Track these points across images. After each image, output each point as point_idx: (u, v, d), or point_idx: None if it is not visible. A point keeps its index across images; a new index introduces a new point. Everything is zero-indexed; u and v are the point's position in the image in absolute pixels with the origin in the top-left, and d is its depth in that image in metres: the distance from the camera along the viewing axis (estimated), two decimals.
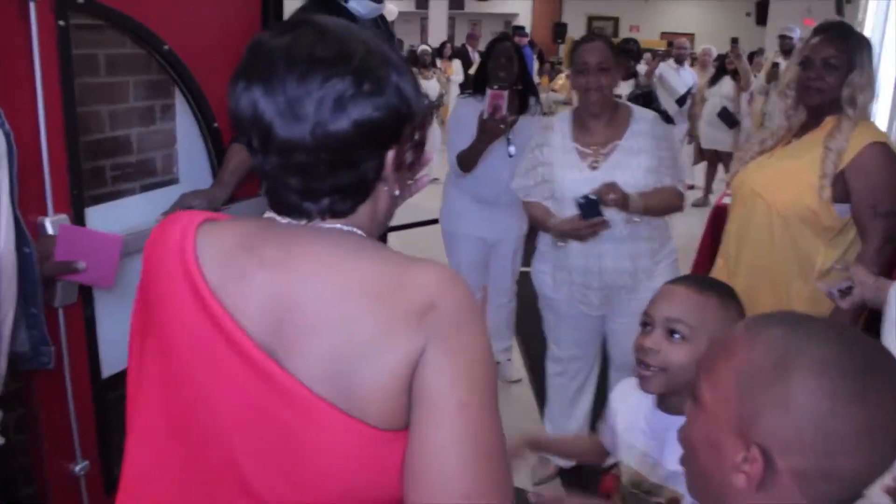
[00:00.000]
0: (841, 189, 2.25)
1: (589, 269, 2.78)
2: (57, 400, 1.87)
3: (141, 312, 1.03)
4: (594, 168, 2.73)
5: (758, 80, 7.58)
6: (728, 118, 7.57)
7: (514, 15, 21.79)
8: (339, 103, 0.90)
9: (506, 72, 3.46)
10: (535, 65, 12.18)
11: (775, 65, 7.05)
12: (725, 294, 1.44)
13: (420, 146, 1.02)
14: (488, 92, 3.17)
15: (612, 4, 20.99)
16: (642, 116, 2.77)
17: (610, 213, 2.63)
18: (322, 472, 0.91)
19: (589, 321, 2.92)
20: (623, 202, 2.59)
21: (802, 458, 0.82)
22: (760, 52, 10.95)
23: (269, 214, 1.00)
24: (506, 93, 3.22)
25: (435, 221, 3.96)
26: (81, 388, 1.91)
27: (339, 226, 0.98)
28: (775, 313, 0.91)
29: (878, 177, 2.21)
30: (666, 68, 7.44)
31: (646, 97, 5.84)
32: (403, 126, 0.96)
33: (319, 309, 0.91)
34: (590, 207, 2.59)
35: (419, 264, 0.94)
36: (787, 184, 2.34)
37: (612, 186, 2.58)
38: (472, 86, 3.67)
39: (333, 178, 0.94)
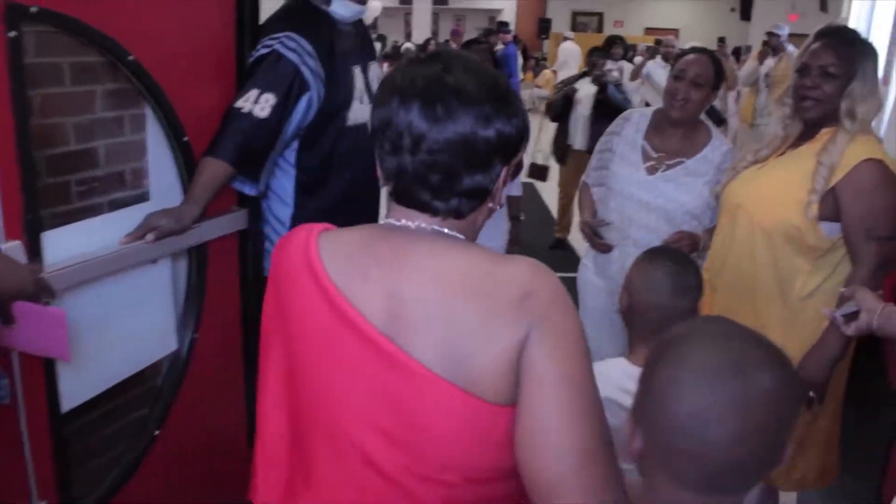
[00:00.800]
0: (830, 207, 2.10)
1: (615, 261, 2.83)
2: (11, 436, 1.74)
3: (274, 312, 1.20)
4: (651, 173, 2.74)
5: (743, 74, 7.52)
6: (715, 116, 7.50)
7: (499, 10, 21.73)
8: (486, 116, 1.09)
9: None
10: (520, 61, 12.06)
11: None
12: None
13: (518, 169, 1.23)
14: None
15: (597, 0, 20.93)
16: (719, 145, 2.74)
17: (643, 235, 2.69)
18: (437, 441, 1.05)
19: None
20: (692, 246, 2.60)
21: (660, 437, 0.94)
22: (747, 49, 10.90)
23: (386, 220, 1.16)
24: None
25: None
26: (38, 423, 1.78)
27: (445, 230, 1.13)
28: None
29: (873, 198, 2.06)
30: (654, 66, 7.38)
31: (616, 87, 5.85)
32: (520, 145, 1.16)
33: (427, 305, 1.06)
34: None
35: (509, 259, 1.11)
36: (772, 198, 2.22)
37: (682, 235, 2.61)
38: None
39: (467, 180, 1.10)
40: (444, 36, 16.34)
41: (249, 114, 2.27)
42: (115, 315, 2.04)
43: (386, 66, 10.19)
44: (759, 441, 0.91)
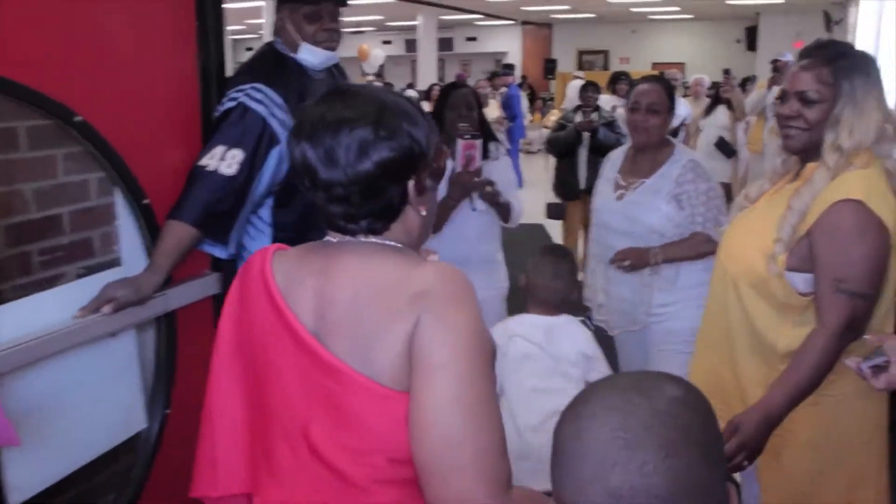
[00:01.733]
0: (805, 256, 1.80)
1: (600, 288, 3.01)
2: None
3: (234, 320, 1.33)
4: (619, 199, 2.90)
5: (750, 103, 7.37)
6: (725, 148, 7.36)
7: (504, 53, 21.86)
8: (362, 149, 1.17)
9: (467, 122, 3.18)
10: (525, 102, 12.01)
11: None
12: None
13: (440, 173, 1.29)
14: (460, 143, 2.95)
15: (602, 37, 20.99)
16: (677, 160, 2.83)
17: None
18: (356, 426, 1.16)
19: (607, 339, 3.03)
20: (640, 261, 2.76)
21: (578, 489, 0.84)
22: (753, 79, 10.77)
23: (328, 237, 1.29)
24: (479, 142, 2.99)
25: None
26: None
27: (375, 240, 1.25)
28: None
29: (846, 244, 1.73)
30: None
31: (608, 125, 5.79)
32: (418, 162, 1.22)
33: (345, 304, 1.19)
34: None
35: (427, 264, 1.22)
36: (742, 245, 1.95)
37: (628, 251, 2.77)
38: None
39: (366, 206, 1.21)
40: (450, 81, 16.41)
41: (215, 172, 2.14)
42: (73, 394, 1.89)
43: None
44: (674, 465, 0.80)
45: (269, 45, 2.47)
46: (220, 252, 2.23)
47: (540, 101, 18.17)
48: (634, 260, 2.76)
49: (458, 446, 1.09)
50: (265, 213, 2.40)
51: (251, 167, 2.21)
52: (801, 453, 1.88)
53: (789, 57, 7.20)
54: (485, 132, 3.28)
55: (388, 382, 1.15)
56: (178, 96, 2.20)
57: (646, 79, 3.02)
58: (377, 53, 15.86)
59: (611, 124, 5.86)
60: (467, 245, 3.13)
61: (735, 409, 1.85)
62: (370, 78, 15.14)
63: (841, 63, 1.82)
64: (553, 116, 16.41)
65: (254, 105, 2.23)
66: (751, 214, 2.00)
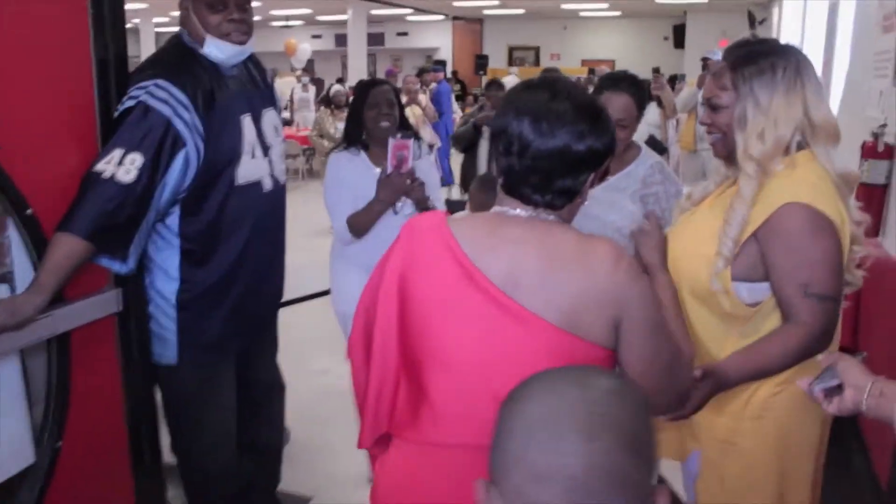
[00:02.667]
0: (752, 263, 1.73)
1: None
2: None
3: (393, 282, 1.47)
4: None
5: (681, 100, 7.39)
6: (656, 145, 7.35)
7: (436, 49, 21.73)
8: (581, 135, 1.37)
9: (389, 120, 3.02)
10: (453, 98, 11.84)
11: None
12: None
13: (604, 175, 1.49)
14: (391, 142, 2.80)
15: (533, 34, 21.04)
16: (645, 160, 2.63)
17: None
18: (532, 370, 1.11)
19: None
20: None
21: (519, 475, 0.86)
22: (681, 76, 10.84)
23: (499, 209, 1.46)
24: (411, 142, 2.85)
25: (320, 294, 3.48)
26: None
27: (551, 217, 1.44)
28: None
29: (803, 248, 1.66)
30: None
31: None
32: (604, 160, 1.43)
33: (540, 274, 1.36)
34: None
35: (595, 240, 1.40)
36: (685, 251, 1.85)
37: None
38: (346, 138, 3.16)
39: (562, 181, 1.40)
40: (380, 77, 16.14)
41: (111, 178, 1.93)
42: None
43: (323, 110, 9.90)
44: (592, 449, 0.84)
45: (176, 37, 2.26)
46: (118, 267, 2.02)
47: (471, 97, 18.08)
48: None
49: (673, 369, 1.46)
50: (172, 222, 2.19)
51: (153, 173, 2.00)
52: (741, 466, 1.81)
53: (718, 55, 7.21)
54: (407, 130, 3.13)
55: (583, 335, 1.36)
56: (69, 93, 1.99)
57: (613, 81, 2.55)
58: (304, 48, 15.56)
59: None
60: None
61: (684, 427, 1.81)
62: (298, 73, 14.83)
63: (742, 66, 1.73)
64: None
65: (156, 104, 2.02)
66: (693, 218, 1.91)
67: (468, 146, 5.77)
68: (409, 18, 21.03)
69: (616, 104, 2.49)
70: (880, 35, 3.74)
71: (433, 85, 10.56)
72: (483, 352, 1.38)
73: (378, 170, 2.99)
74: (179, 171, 2.07)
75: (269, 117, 2.39)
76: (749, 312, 1.75)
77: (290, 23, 21.59)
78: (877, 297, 2.98)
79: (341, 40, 19.31)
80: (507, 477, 0.87)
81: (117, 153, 1.96)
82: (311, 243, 3.07)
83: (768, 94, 1.70)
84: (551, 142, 1.37)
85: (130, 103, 2.02)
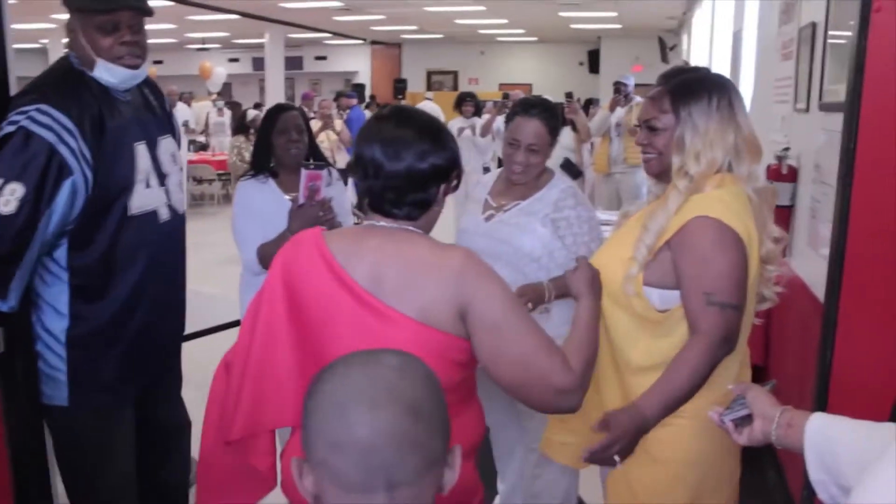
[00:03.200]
0: (664, 272, 1.81)
1: None
2: None
3: (284, 298, 1.62)
4: (488, 220, 2.68)
5: (594, 124, 7.50)
6: (571, 169, 7.44)
7: (354, 73, 21.63)
8: (423, 155, 1.59)
9: (297, 147, 2.94)
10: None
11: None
12: None
13: (457, 185, 1.68)
14: (304, 173, 2.70)
15: (451, 59, 21.19)
16: (557, 184, 2.62)
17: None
18: None
19: None
20: (537, 299, 2.44)
21: (322, 452, 0.97)
22: (596, 101, 11.06)
23: (367, 222, 1.65)
24: (323, 172, 2.78)
25: (233, 325, 3.36)
26: None
27: (410, 228, 1.63)
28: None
29: (708, 259, 1.74)
30: (503, 121, 7.23)
31: None
32: (451, 172, 1.64)
33: (399, 276, 1.56)
34: None
35: (447, 248, 1.60)
36: (606, 256, 1.97)
37: (524, 289, 2.42)
38: (253, 165, 3.06)
39: (413, 196, 1.60)
40: (297, 101, 15.96)
41: None
42: None
43: (237, 137, 9.70)
44: (377, 417, 0.95)
45: (64, 59, 2.15)
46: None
47: None
48: (534, 299, 2.43)
49: (529, 366, 1.54)
50: (60, 255, 2.07)
51: (36, 204, 1.88)
52: (647, 470, 1.85)
53: (631, 80, 7.38)
54: (317, 157, 3.06)
55: (440, 327, 1.53)
56: None
57: (525, 107, 2.57)
58: (219, 71, 15.32)
59: None
60: None
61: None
62: (214, 97, 14.56)
63: (679, 91, 1.85)
64: None
65: (38, 130, 1.91)
66: (620, 231, 2.03)
67: None
68: (328, 42, 20.91)
69: (528, 129, 2.51)
70: (780, 62, 3.85)
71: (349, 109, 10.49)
72: (352, 345, 1.43)
73: (287, 197, 2.91)
74: (66, 202, 1.96)
75: (167, 145, 2.29)
76: (660, 317, 1.83)
77: (207, 46, 21.19)
78: (785, 315, 3.04)
79: (259, 64, 19.00)
80: (312, 451, 0.98)
81: None
82: (225, 272, 2.95)
83: (705, 120, 1.82)
84: (399, 164, 1.58)
85: (10, 129, 1.90)
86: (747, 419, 1.43)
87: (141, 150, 2.17)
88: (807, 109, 3.18)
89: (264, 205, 2.88)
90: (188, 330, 2.57)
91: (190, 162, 11.16)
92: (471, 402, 1.69)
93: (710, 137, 1.81)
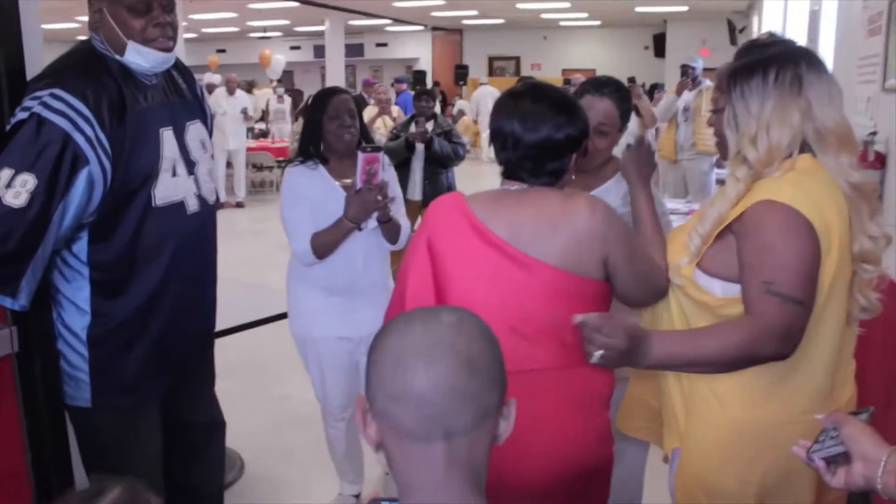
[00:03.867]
0: (727, 260, 1.64)
1: None
2: None
3: (428, 248, 1.82)
4: None
5: (660, 109, 7.18)
6: None
7: (416, 59, 21.51)
8: (559, 126, 1.75)
9: (350, 133, 2.79)
10: (437, 108, 11.59)
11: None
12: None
13: (585, 151, 1.87)
14: (360, 156, 2.56)
15: (513, 44, 20.87)
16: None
17: None
18: (539, 305, 1.72)
19: None
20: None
21: (386, 404, 1.02)
22: (661, 85, 10.69)
23: (503, 186, 1.83)
24: (381, 154, 2.63)
25: (282, 317, 3.23)
26: None
27: (538, 186, 1.81)
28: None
29: (772, 245, 1.56)
30: None
31: (445, 135, 5.64)
32: (582, 141, 1.81)
33: (535, 226, 1.73)
34: None
35: (574, 196, 1.77)
36: (670, 245, 1.83)
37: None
38: (302, 150, 2.89)
39: (551, 164, 1.77)
40: (359, 88, 15.88)
41: None
42: None
43: (296, 126, 9.62)
44: (435, 371, 0.99)
45: (86, 42, 2.01)
46: (9, 303, 1.77)
47: (450, 108, 17.89)
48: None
49: (648, 280, 1.76)
50: (80, 249, 1.94)
51: (49, 196, 1.76)
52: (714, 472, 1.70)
53: (699, 62, 7.02)
54: (369, 142, 2.90)
55: (570, 269, 1.70)
56: None
57: (596, 85, 2.34)
58: (279, 59, 15.30)
59: (448, 133, 5.67)
60: (355, 272, 2.77)
61: (671, 424, 1.79)
62: (274, 84, 14.57)
63: (736, 70, 1.69)
64: (465, 123, 16.18)
65: (52, 116, 1.78)
66: (690, 219, 1.88)
67: (401, 162, 5.46)
68: (388, 29, 20.82)
69: (597, 108, 2.28)
70: (865, 39, 3.54)
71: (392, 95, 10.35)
72: (497, 293, 1.72)
73: (338, 184, 2.76)
74: (83, 193, 1.83)
75: (196, 130, 2.15)
76: (721, 301, 1.65)
77: (268, 34, 21.31)
78: (873, 324, 2.74)
79: (320, 51, 19.00)
80: (374, 401, 1.03)
81: (5, 174, 1.71)
82: (287, 259, 2.85)
83: (759, 98, 1.64)
84: (537, 135, 1.73)
85: (23, 115, 1.78)
86: (842, 458, 1.20)
87: (167, 136, 2.03)
88: None
89: (315, 192, 2.74)
90: (243, 320, 2.46)
91: (249, 149, 11.18)
92: None
93: (767, 118, 1.62)
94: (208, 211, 2.18)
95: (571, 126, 1.75)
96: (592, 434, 1.78)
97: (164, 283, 2.03)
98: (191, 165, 2.11)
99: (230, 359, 4.15)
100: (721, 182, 6.99)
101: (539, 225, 1.72)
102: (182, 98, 2.16)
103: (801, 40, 6.49)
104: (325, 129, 2.79)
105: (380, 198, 2.60)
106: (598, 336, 1.55)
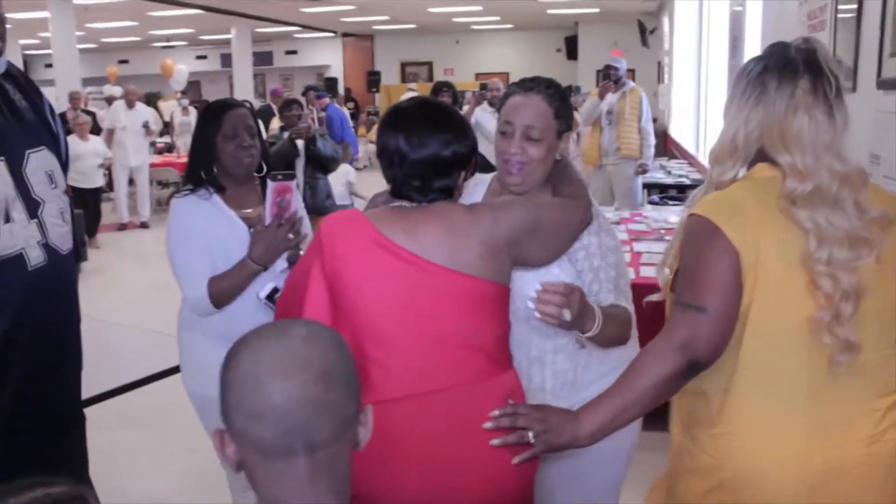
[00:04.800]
0: None
1: None
2: None
3: (326, 274, 1.69)
4: None
5: (584, 112, 6.97)
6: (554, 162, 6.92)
7: (326, 66, 21.13)
8: (447, 142, 1.69)
9: (250, 154, 2.38)
10: (347, 117, 11.14)
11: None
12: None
13: (473, 170, 1.80)
14: (271, 185, 2.16)
15: (425, 49, 20.64)
16: None
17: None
18: (441, 311, 1.65)
19: None
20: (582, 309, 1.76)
21: (243, 423, 1.04)
22: (577, 89, 10.54)
23: (397, 203, 1.73)
24: (293, 183, 2.23)
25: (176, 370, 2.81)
26: None
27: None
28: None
29: (683, 255, 1.58)
30: (482, 113, 6.67)
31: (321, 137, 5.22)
32: (470, 159, 1.75)
33: (434, 238, 1.66)
34: None
35: (479, 206, 1.78)
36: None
37: (570, 288, 1.75)
38: (189, 177, 2.45)
39: (438, 182, 1.70)
40: (268, 98, 15.36)
41: None
42: None
43: None
44: (288, 386, 1.01)
45: None
46: None
47: (365, 115, 17.50)
48: (575, 306, 1.69)
49: (564, 228, 1.83)
50: None
51: None
52: None
53: (622, 63, 6.84)
54: (268, 163, 2.49)
55: (474, 273, 1.66)
56: None
57: (524, 84, 1.92)
58: (181, 69, 14.66)
59: (323, 136, 5.22)
60: (258, 318, 2.30)
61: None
62: (179, 95, 13.93)
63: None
64: None
65: None
66: None
67: (288, 163, 5.00)
68: (298, 36, 20.31)
69: (524, 108, 1.85)
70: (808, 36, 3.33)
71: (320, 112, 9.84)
72: (414, 310, 1.64)
73: (237, 215, 2.36)
74: None
75: (40, 161, 1.74)
76: None
77: (172, 43, 20.54)
78: None
79: (227, 60, 18.41)
80: (232, 421, 1.04)
81: None
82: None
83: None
84: (423, 152, 1.67)
85: None
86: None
87: None
88: (854, 89, 2.66)
89: (209, 226, 2.32)
90: (150, 369, 2.05)
91: (152, 165, 10.58)
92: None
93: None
94: (61, 263, 1.77)
95: (459, 143, 1.70)
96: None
97: (5, 361, 1.60)
98: (33, 206, 1.69)
99: (135, 409, 3.76)
100: (647, 188, 6.85)
101: (450, 236, 1.66)
102: (18, 118, 1.74)
103: (721, 43, 6.39)
104: (219, 151, 2.37)
105: (291, 235, 2.22)
106: (518, 418, 1.55)
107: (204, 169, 2.39)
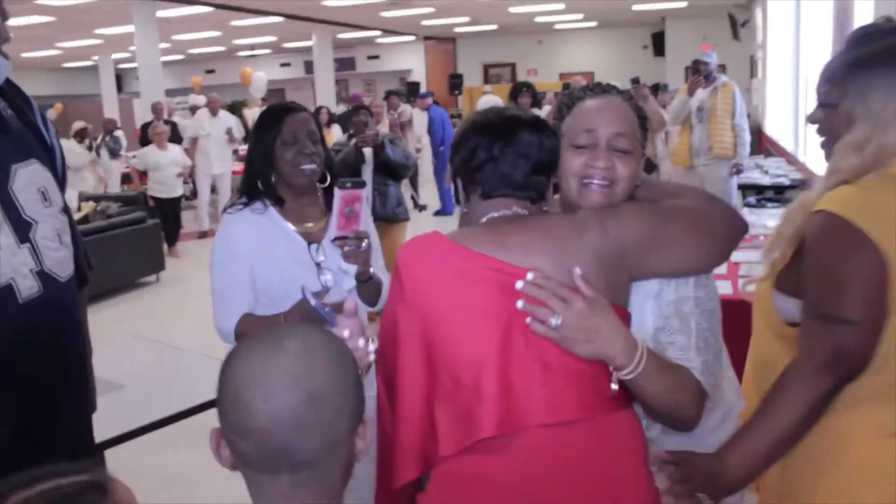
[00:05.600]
0: (801, 278, 1.51)
1: None
2: None
3: (402, 304, 1.48)
4: None
5: (672, 111, 6.57)
6: (646, 164, 6.55)
7: (409, 70, 21.12)
8: (544, 147, 1.52)
9: (312, 162, 2.16)
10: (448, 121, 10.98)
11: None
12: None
13: (555, 189, 1.65)
14: (339, 193, 1.91)
15: (508, 50, 20.39)
16: None
17: None
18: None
19: None
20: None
21: (236, 429, 1.02)
22: (665, 87, 10.09)
23: (490, 215, 1.53)
24: (363, 191, 1.96)
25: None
26: None
27: (525, 212, 1.54)
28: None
29: (819, 260, 1.45)
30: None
31: (391, 143, 5.01)
32: (557, 155, 1.57)
33: (532, 248, 1.44)
34: None
35: (579, 216, 1.53)
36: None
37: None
38: (244, 188, 2.25)
39: (534, 177, 1.52)
40: (347, 102, 15.42)
41: None
42: None
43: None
44: (295, 399, 0.98)
45: None
46: None
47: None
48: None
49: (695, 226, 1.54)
50: None
51: None
52: None
53: (713, 57, 6.41)
54: (332, 173, 2.27)
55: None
56: None
57: (594, 88, 1.62)
58: (259, 76, 14.77)
59: (393, 141, 5.01)
60: None
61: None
62: (261, 103, 14.04)
63: (858, 58, 1.53)
64: None
65: None
66: None
67: (351, 173, 4.81)
68: (379, 41, 20.37)
69: (610, 112, 1.53)
70: None
71: (401, 108, 9.65)
72: (516, 335, 1.40)
73: (292, 228, 2.16)
74: None
75: (30, 176, 1.54)
76: (794, 333, 1.50)
77: (256, 52, 20.87)
78: None
79: (310, 67, 18.57)
80: (224, 430, 1.03)
81: None
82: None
83: (883, 95, 1.47)
84: (512, 145, 1.50)
85: None
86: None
87: None
88: None
89: (261, 249, 2.13)
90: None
91: (235, 173, 10.63)
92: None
93: (888, 117, 1.46)
94: (60, 292, 1.57)
95: (551, 143, 1.53)
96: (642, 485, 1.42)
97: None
98: (23, 228, 1.49)
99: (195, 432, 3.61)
100: (742, 189, 6.42)
101: (552, 248, 1.44)
102: (2, 129, 1.55)
103: (824, 33, 5.92)
104: (278, 158, 2.16)
105: (363, 247, 1.98)
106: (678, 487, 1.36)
107: (261, 179, 2.19)
